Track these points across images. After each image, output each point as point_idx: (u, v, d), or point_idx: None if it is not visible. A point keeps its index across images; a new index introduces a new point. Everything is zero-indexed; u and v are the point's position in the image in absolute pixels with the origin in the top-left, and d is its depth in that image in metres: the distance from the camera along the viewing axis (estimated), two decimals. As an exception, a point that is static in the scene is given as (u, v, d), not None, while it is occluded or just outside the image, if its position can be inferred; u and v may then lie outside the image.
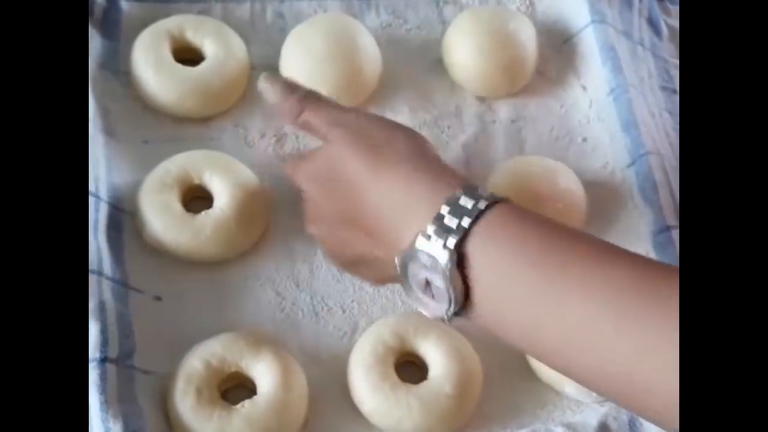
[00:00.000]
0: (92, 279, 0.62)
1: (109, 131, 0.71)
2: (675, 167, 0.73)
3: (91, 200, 0.66)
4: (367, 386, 0.62)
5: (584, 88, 0.78)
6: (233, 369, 0.62)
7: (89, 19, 0.75)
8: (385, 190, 0.54)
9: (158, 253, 0.67)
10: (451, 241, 0.49)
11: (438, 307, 0.52)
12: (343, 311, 0.67)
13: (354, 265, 0.60)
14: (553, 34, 0.80)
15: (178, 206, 0.67)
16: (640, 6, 0.81)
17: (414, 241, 0.51)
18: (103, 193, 0.67)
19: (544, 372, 0.65)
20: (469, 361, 0.64)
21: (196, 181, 0.69)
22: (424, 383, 0.63)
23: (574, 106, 0.78)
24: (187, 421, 0.60)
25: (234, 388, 0.62)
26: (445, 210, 0.50)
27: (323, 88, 0.73)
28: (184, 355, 0.62)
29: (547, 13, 0.81)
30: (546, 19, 0.81)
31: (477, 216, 0.50)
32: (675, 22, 0.82)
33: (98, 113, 0.71)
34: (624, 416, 0.62)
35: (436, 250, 0.50)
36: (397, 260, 0.52)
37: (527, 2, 0.82)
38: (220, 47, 0.75)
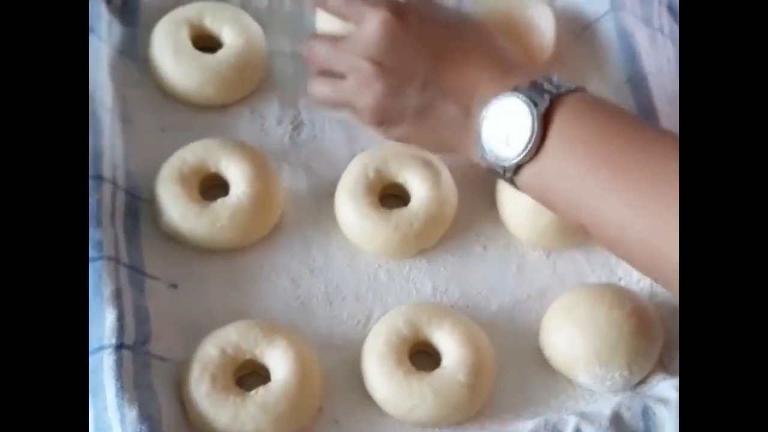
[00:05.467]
0: (109, 266, 0.63)
1: (126, 118, 0.72)
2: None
3: (109, 187, 0.67)
4: (381, 374, 0.63)
5: (602, 75, 0.77)
6: (248, 356, 0.62)
7: (108, 6, 0.75)
8: (485, 48, 0.63)
9: (174, 240, 0.68)
10: (547, 95, 0.57)
11: (509, 150, 0.58)
12: (358, 300, 0.67)
13: (422, 122, 0.63)
14: (572, 21, 0.80)
15: (194, 194, 0.68)
16: (659, -8, 0.80)
17: (508, 92, 0.58)
18: (121, 181, 0.68)
19: (558, 361, 0.65)
20: (483, 350, 0.64)
21: (213, 170, 0.69)
22: (438, 372, 0.63)
23: (593, 93, 0.77)
24: (202, 407, 0.60)
25: (249, 375, 0.63)
26: (537, 78, 0.59)
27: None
28: (199, 342, 0.63)
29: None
30: (565, 6, 0.80)
31: (566, 90, 0.58)
32: (696, 9, 0.81)
33: (116, 100, 0.72)
34: (637, 406, 0.61)
35: (530, 98, 0.57)
36: (484, 110, 0.59)
37: (546, -11, 0.81)
38: (239, 34, 0.75)
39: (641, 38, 0.76)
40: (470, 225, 0.71)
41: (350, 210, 0.69)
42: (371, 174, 0.69)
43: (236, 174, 0.69)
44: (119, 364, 0.60)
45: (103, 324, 0.61)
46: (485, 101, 0.60)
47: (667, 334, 0.66)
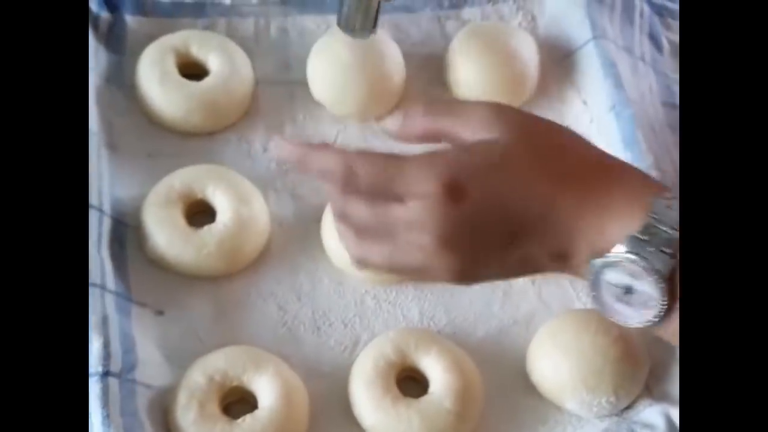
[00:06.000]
0: (95, 293, 0.63)
1: (113, 145, 0.72)
2: (678, 183, 0.72)
3: (95, 214, 0.66)
4: (368, 401, 0.63)
5: (585, 103, 0.78)
6: (235, 383, 0.62)
7: (95, 33, 0.75)
8: (575, 199, 0.50)
9: (161, 267, 0.67)
10: (670, 243, 0.48)
11: (636, 314, 0.50)
12: (345, 325, 0.67)
13: (512, 273, 0.54)
14: (555, 49, 0.80)
15: (181, 221, 0.68)
16: (641, 22, 0.81)
17: (619, 248, 0.49)
18: (107, 207, 0.68)
19: (545, 388, 0.65)
20: (470, 377, 0.64)
21: (200, 196, 0.69)
22: (425, 398, 0.63)
23: (575, 122, 0.78)
24: (188, 435, 0.60)
25: (236, 402, 0.63)
26: (653, 215, 0.49)
27: (353, 98, 0.74)
28: (186, 369, 0.62)
29: (549, 28, 0.82)
30: (548, 35, 0.81)
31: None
32: (676, 38, 0.82)
33: (102, 127, 0.72)
34: (624, 431, 0.62)
35: (649, 254, 0.48)
36: (591, 267, 0.50)
37: (529, 18, 0.82)
38: (225, 62, 0.75)
39: (623, 67, 0.77)
40: (456, 251, 0.71)
41: (337, 236, 0.68)
42: None
43: (223, 200, 0.69)
44: (105, 392, 0.59)
45: (89, 351, 0.60)
46: (588, 254, 0.51)
47: (652, 359, 0.66)
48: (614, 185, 0.51)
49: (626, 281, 0.50)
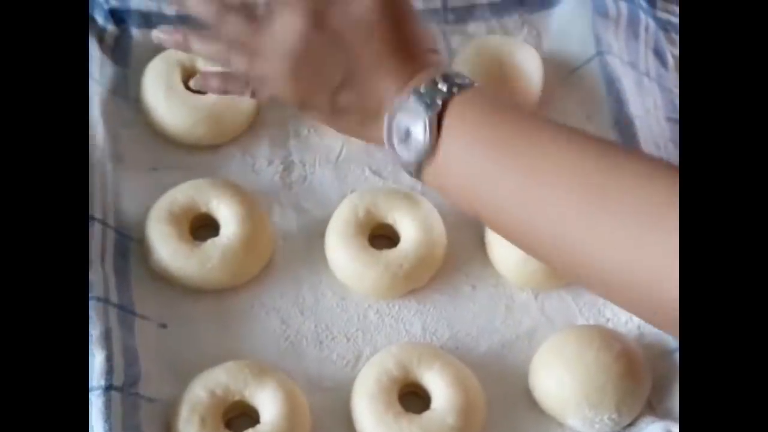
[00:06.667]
0: (98, 306, 0.63)
1: (117, 158, 0.72)
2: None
3: (99, 227, 0.67)
4: (371, 416, 0.63)
5: (589, 119, 0.78)
6: (237, 398, 0.62)
7: (100, 46, 0.76)
8: (395, 65, 0.61)
9: (165, 280, 0.68)
10: (440, 97, 0.58)
11: (410, 154, 0.58)
12: (347, 340, 0.67)
13: (337, 119, 0.63)
14: (560, 64, 0.80)
15: (185, 234, 0.68)
16: (646, 37, 0.81)
17: (407, 93, 0.59)
18: (111, 220, 0.68)
19: (548, 404, 0.65)
20: (472, 392, 0.64)
21: (203, 209, 0.69)
22: (427, 413, 0.63)
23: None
24: (190, 449, 0.60)
25: (238, 417, 0.63)
26: (436, 76, 0.59)
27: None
28: (188, 383, 0.62)
29: (554, 43, 0.82)
30: (552, 50, 0.81)
31: (460, 87, 0.58)
32: (682, 53, 0.82)
33: (107, 139, 0.72)
34: (625, 448, 0.62)
35: (423, 101, 0.58)
36: (388, 110, 0.59)
37: (534, 33, 0.82)
38: (229, 75, 0.75)
39: (627, 82, 0.77)
40: (459, 265, 0.71)
41: (340, 250, 0.69)
42: (361, 214, 0.70)
43: (227, 214, 0.69)
44: (108, 406, 0.59)
45: (92, 365, 0.60)
46: (390, 103, 0.60)
47: (654, 375, 0.66)
48: (419, 62, 0.61)
49: (406, 123, 0.58)
